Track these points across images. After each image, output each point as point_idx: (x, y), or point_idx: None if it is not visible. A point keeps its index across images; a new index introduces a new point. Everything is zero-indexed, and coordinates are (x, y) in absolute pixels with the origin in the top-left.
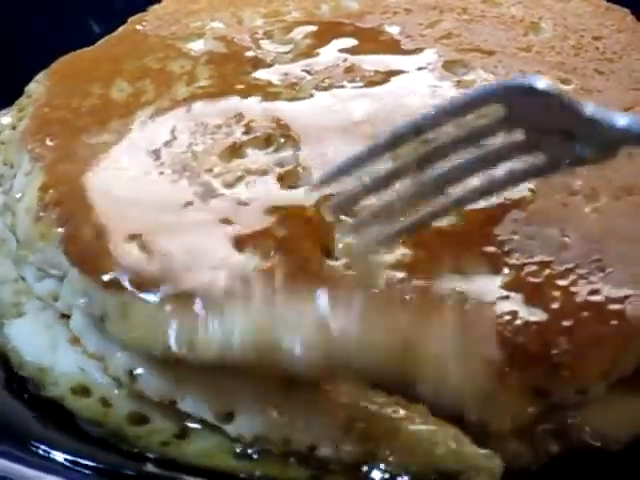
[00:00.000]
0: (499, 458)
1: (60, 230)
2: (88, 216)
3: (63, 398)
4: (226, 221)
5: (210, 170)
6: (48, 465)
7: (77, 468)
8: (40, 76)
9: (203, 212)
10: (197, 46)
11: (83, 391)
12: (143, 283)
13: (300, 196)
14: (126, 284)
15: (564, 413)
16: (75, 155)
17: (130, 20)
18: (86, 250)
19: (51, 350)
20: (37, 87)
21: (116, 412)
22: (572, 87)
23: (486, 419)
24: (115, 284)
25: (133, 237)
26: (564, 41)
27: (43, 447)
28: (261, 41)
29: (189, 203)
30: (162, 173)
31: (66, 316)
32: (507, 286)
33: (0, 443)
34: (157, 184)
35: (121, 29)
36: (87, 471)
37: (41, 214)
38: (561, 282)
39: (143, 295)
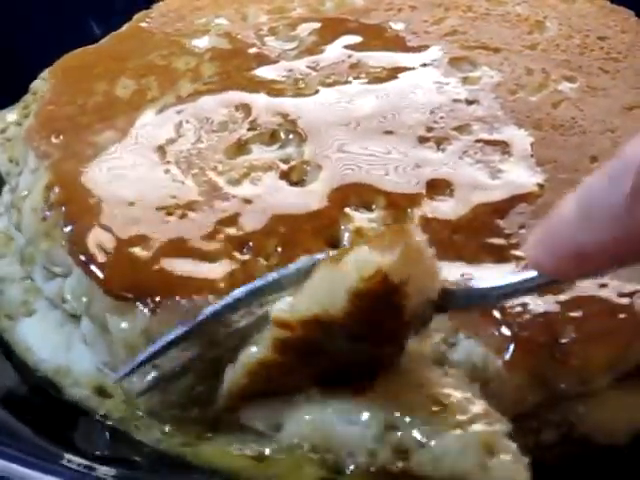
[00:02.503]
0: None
1: (65, 230)
2: (93, 217)
3: (87, 399)
4: (231, 219)
5: (215, 168)
6: (48, 465)
7: (78, 469)
8: (45, 73)
9: (208, 211)
10: (202, 43)
11: (104, 392)
12: (143, 292)
13: (305, 192)
14: (128, 294)
15: (568, 405)
16: (81, 154)
17: (135, 17)
18: (91, 252)
19: (66, 349)
20: (42, 84)
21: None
22: (577, 85)
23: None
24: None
25: (138, 240)
26: (569, 40)
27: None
28: (266, 38)
29: (194, 202)
30: (168, 171)
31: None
32: None
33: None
34: (162, 183)
35: (126, 26)
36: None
37: (46, 213)
38: None
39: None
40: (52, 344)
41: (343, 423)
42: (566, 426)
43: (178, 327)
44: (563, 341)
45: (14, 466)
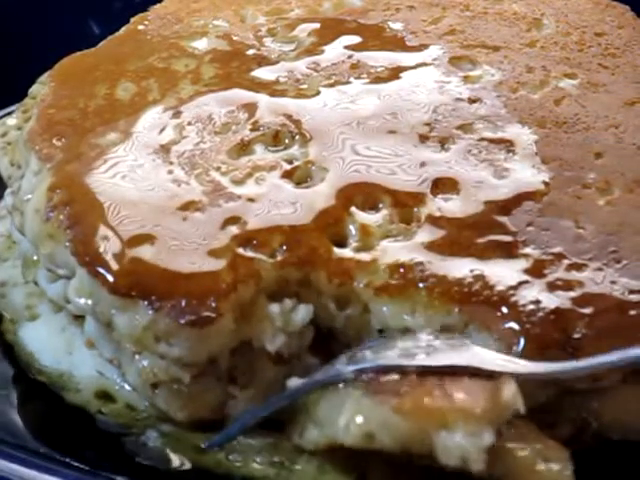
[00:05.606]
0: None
1: (69, 231)
2: (97, 217)
3: (89, 404)
4: (235, 218)
5: (219, 168)
6: (48, 465)
7: (76, 464)
8: (44, 77)
9: (212, 211)
10: (201, 45)
11: (107, 397)
12: (148, 290)
13: (311, 191)
14: (132, 292)
15: (581, 401)
16: (83, 155)
17: (132, 20)
18: (95, 252)
19: (67, 354)
20: (41, 88)
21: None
22: (578, 81)
23: None
24: (122, 290)
25: (142, 239)
26: (567, 37)
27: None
28: (265, 39)
29: (198, 202)
30: (171, 172)
31: (80, 317)
32: (525, 272)
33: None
34: (166, 183)
35: (123, 29)
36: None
37: (50, 214)
38: (579, 272)
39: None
40: (54, 348)
41: None
42: (580, 421)
43: (271, 402)
44: (574, 337)
45: (14, 466)
